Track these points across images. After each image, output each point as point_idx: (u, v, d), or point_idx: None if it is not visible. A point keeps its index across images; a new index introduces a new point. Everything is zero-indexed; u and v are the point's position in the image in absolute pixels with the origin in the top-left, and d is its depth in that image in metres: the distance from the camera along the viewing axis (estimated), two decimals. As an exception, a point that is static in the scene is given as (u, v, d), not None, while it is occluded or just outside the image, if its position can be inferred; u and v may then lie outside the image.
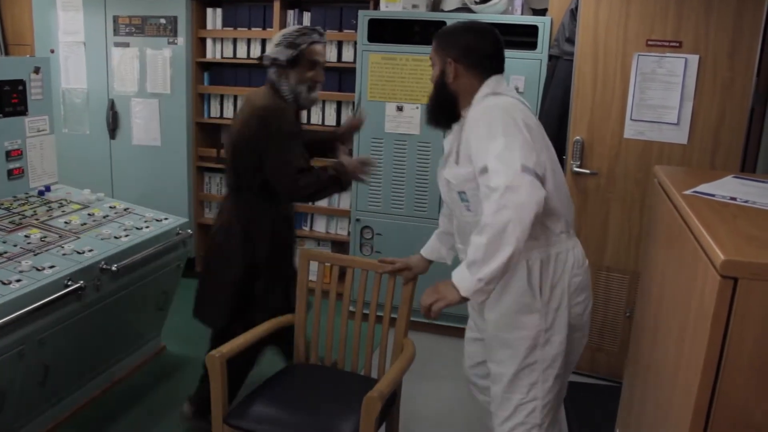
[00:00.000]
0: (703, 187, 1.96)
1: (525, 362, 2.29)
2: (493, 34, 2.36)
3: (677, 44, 3.42)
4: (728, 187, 1.99)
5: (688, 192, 1.90)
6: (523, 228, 1.94)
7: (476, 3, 4.08)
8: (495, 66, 2.33)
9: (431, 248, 2.80)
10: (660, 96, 3.48)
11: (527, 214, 1.95)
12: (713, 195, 1.88)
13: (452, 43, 2.32)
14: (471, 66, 2.30)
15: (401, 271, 2.77)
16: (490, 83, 2.29)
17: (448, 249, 2.75)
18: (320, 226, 5.00)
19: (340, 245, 4.99)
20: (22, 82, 3.68)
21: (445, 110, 2.39)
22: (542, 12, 4.14)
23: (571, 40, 3.71)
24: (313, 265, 2.92)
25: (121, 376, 3.66)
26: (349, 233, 4.79)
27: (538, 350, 2.29)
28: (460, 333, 4.36)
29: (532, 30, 3.94)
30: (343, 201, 4.89)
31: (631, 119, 3.56)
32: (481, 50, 2.31)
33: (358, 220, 4.47)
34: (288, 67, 2.93)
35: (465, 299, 2.05)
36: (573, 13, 3.72)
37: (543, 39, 3.91)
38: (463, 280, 2.03)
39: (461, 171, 2.24)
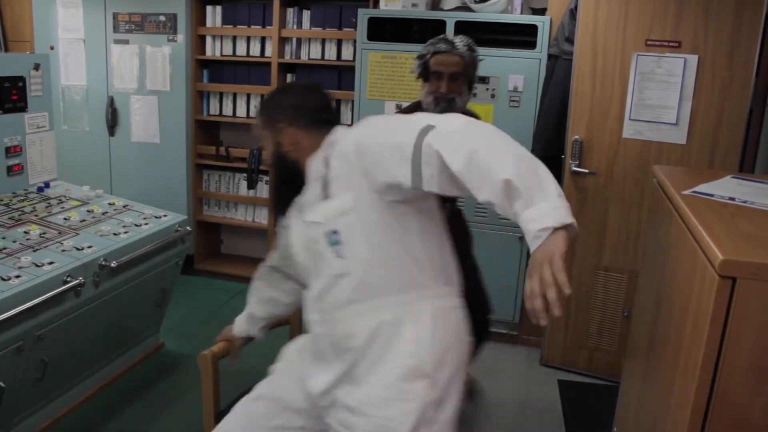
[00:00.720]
0: (701, 187, 1.96)
1: None
2: (316, 87, 2.15)
3: (676, 44, 3.43)
4: (727, 187, 2.00)
5: (687, 192, 1.91)
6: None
7: (476, 2, 4.08)
8: (331, 118, 2.04)
9: (240, 327, 2.45)
10: (659, 96, 3.49)
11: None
12: (712, 195, 1.88)
13: (279, 109, 2.02)
14: (307, 125, 1.98)
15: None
16: (337, 133, 1.95)
17: (260, 329, 2.43)
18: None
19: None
20: (22, 79, 3.67)
21: (295, 184, 1.99)
22: (542, 11, 4.15)
23: (570, 40, 3.72)
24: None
25: (119, 372, 3.66)
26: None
27: (425, 429, 1.77)
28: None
29: (532, 29, 3.94)
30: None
31: (629, 119, 3.57)
32: (312, 105, 2.03)
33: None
34: (421, 79, 2.91)
35: (570, 228, 1.46)
36: (572, 12, 3.73)
37: (542, 38, 3.92)
38: (547, 214, 1.47)
39: (335, 203, 1.82)
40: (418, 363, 1.77)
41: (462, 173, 1.56)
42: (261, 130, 2.05)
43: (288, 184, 2.01)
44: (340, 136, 1.91)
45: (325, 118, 2.02)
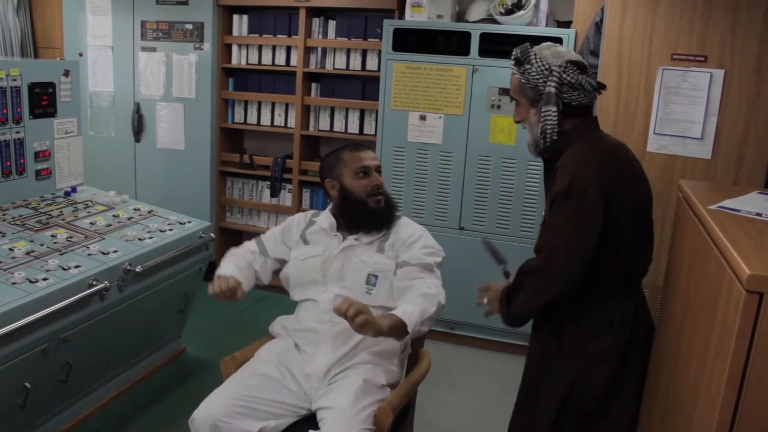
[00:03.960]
0: (728, 203, 1.95)
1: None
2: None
3: (702, 58, 3.41)
4: (753, 203, 1.99)
5: (713, 207, 1.90)
6: None
7: (501, 14, 4.09)
8: None
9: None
10: (684, 110, 3.47)
11: None
12: (738, 210, 1.87)
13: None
14: None
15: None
16: None
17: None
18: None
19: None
20: (52, 85, 3.74)
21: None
22: (567, 24, 4.15)
23: (595, 53, 3.71)
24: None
25: (141, 376, 3.69)
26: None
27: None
28: (476, 343, 4.37)
29: (557, 42, 3.94)
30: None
31: (654, 133, 3.55)
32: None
33: (378, 227, 4.48)
34: None
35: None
36: (598, 25, 3.73)
37: (567, 51, 3.92)
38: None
39: (387, 262, 2.53)
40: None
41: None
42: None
43: (394, 208, 2.69)
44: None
45: None
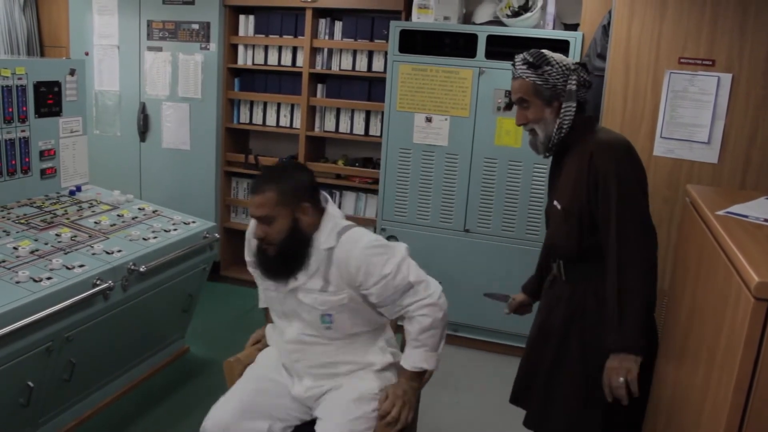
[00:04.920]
0: (736, 208, 1.94)
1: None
2: (296, 164, 2.68)
3: (710, 62, 3.40)
4: (762, 209, 1.97)
5: (720, 212, 1.89)
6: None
7: (508, 17, 4.08)
8: (318, 195, 2.36)
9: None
10: (691, 114, 3.46)
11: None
12: (746, 216, 1.86)
13: (300, 187, 2.28)
14: (316, 203, 2.32)
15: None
16: (331, 212, 2.35)
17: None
18: (345, 234, 5.00)
19: (363, 254, 5.00)
20: (57, 84, 3.74)
21: (301, 258, 2.29)
22: (574, 27, 4.14)
23: (602, 56, 3.70)
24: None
25: (144, 375, 3.69)
26: (373, 242, 4.79)
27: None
28: (481, 345, 4.36)
29: (564, 45, 3.93)
30: (369, 210, 4.91)
31: (661, 137, 3.54)
32: (315, 183, 2.36)
33: (383, 229, 4.48)
34: None
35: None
36: (605, 28, 3.72)
37: (574, 54, 3.91)
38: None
39: (334, 298, 2.29)
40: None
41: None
42: (275, 207, 2.22)
43: (295, 257, 2.28)
44: (334, 226, 2.31)
45: (317, 195, 2.34)
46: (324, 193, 2.39)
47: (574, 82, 2.30)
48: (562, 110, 2.32)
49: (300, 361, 2.39)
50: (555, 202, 2.42)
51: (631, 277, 2.20)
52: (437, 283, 2.36)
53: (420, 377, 2.35)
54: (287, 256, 2.27)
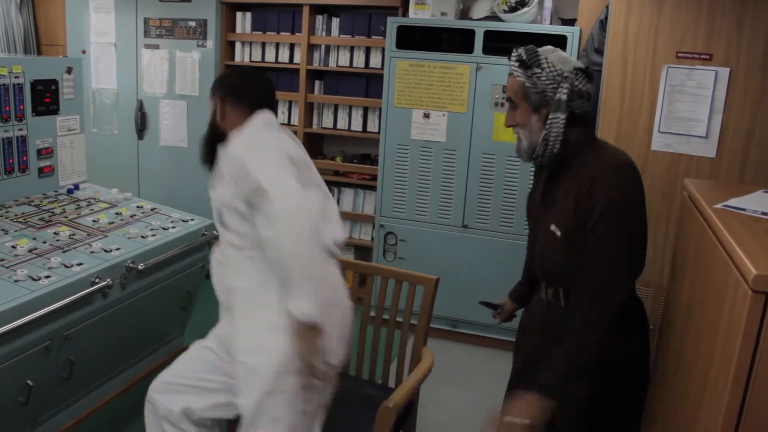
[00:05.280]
0: (733, 202, 1.94)
1: (269, 389, 2.18)
2: (261, 75, 2.55)
3: (708, 57, 3.39)
4: (759, 202, 1.97)
5: (718, 206, 1.89)
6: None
7: (505, 12, 4.08)
8: (261, 102, 2.43)
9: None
10: (689, 108, 3.46)
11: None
12: (744, 209, 1.86)
13: (221, 84, 2.47)
14: (236, 102, 2.41)
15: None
16: (257, 117, 2.38)
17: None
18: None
19: (363, 250, 5.00)
20: (54, 82, 3.73)
21: (213, 146, 2.47)
22: (571, 22, 4.13)
23: (599, 51, 3.70)
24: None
25: (144, 373, 3.69)
26: (372, 238, 4.80)
27: (285, 378, 2.17)
28: (479, 341, 4.37)
29: (561, 40, 3.93)
30: (367, 206, 4.91)
31: (658, 131, 3.54)
32: (246, 87, 2.43)
33: (382, 225, 4.48)
34: None
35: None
36: (602, 23, 3.72)
37: (571, 49, 3.91)
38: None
39: (222, 191, 2.30)
40: (279, 321, 2.13)
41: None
42: (210, 98, 2.50)
43: (210, 145, 2.49)
44: (251, 128, 2.33)
45: (254, 101, 2.40)
46: (267, 114, 2.41)
47: (565, 90, 2.02)
48: (549, 120, 2.04)
49: (216, 285, 2.42)
50: (553, 227, 2.12)
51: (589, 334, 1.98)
52: (314, 197, 2.24)
53: (305, 331, 2.07)
54: (202, 142, 2.57)
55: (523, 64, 2.07)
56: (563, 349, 2.00)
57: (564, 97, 2.02)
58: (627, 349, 2.16)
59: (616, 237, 1.99)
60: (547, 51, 2.09)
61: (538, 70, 2.04)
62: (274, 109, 2.49)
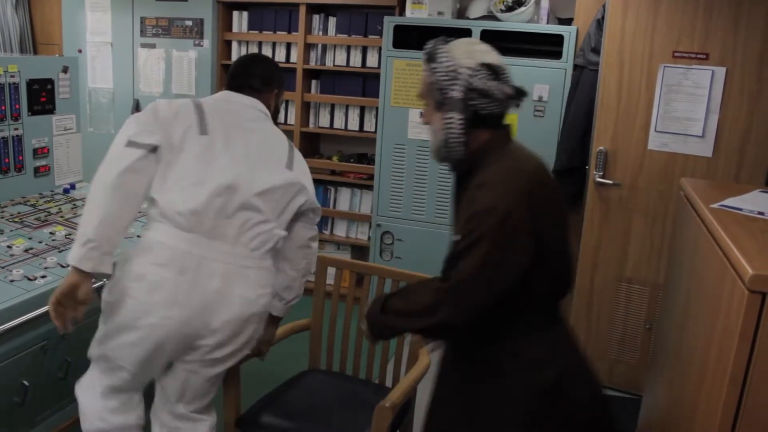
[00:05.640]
0: (730, 201, 1.95)
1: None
2: (237, 60, 2.59)
3: (704, 56, 3.40)
4: (756, 202, 1.98)
5: (715, 205, 1.90)
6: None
7: (502, 11, 4.08)
8: (229, 85, 2.48)
9: None
10: (685, 108, 3.47)
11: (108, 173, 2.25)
12: (741, 209, 1.87)
13: None
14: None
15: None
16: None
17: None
18: (341, 230, 5.01)
19: (360, 250, 5.00)
20: (50, 81, 3.72)
21: None
22: (568, 21, 4.14)
23: (596, 50, 3.70)
24: (330, 270, 2.93)
25: (140, 374, 3.68)
26: (369, 238, 4.80)
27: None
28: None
29: (558, 39, 3.93)
30: (364, 205, 4.91)
31: (655, 131, 3.54)
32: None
33: (378, 225, 4.48)
34: None
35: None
36: (599, 23, 3.72)
37: (568, 48, 3.91)
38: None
39: None
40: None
41: None
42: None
43: None
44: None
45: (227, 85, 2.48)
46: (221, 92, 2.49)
47: (459, 88, 1.82)
48: (444, 120, 1.86)
49: None
50: (455, 237, 1.87)
51: (423, 296, 1.85)
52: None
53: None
54: None
55: (428, 58, 1.91)
56: (413, 295, 1.90)
57: (457, 95, 1.82)
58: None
59: (480, 244, 1.73)
60: (457, 43, 1.90)
61: (436, 65, 1.87)
62: (240, 85, 2.46)
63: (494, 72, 1.82)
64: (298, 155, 2.52)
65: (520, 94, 1.88)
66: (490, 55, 1.86)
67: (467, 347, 1.98)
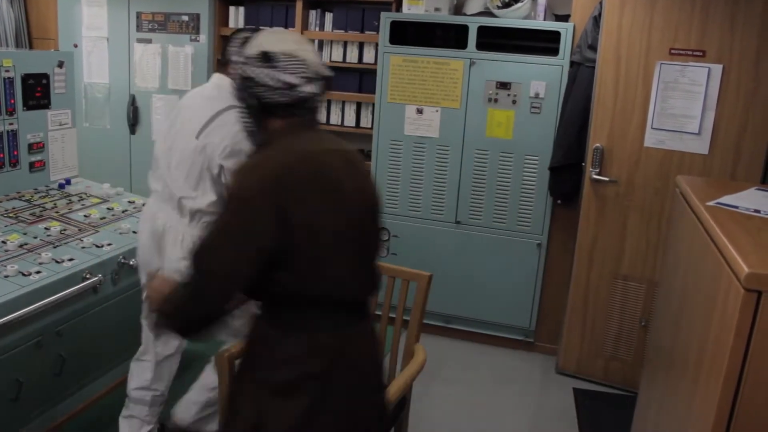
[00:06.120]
0: (726, 199, 1.95)
1: None
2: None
3: (701, 53, 3.40)
4: (752, 199, 1.98)
5: (711, 203, 1.90)
6: None
7: (499, 8, 4.07)
8: None
9: None
10: (682, 105, 3.47)
11: None
12: (737, 207, 1.87)
13: None
14: None
15: None
16: None
17: None
18: (336, 226, 4.98)
19: (355, 246, 4.99)
20: (46, 76, 3.71)
21: None
22: (565, 18, 4.13)
23: (593, 47, 3.70)
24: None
25: (135, 370, 3.68)
26: (364, 234, 4.78)
27: None
28: (472, 337, 4.37)
29: (555, 36, 3.92)
30: (359, 202, 4.90)
31: (651, 128, 3.54)
32: None
33: (374, 221, 4.47)
34: None
35: None
36: (596, 20, 3.71)
37: (565, 45, 3.90)
38: None
39: None
40: None
41: None
42: None
43: None
44: None
45: None
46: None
47: (237, 77, 1.85)
48: (239, 109, 1.90)
49: None
50: None
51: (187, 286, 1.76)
52: None
53: None
54: None
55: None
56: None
57: (237, 83, 1.85)
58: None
59: (220, 228, 1.71)
60: (262, 33, 1.88)
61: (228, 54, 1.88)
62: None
63: (269, 60, 1.78)
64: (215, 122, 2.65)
65: (325, 80, 1.84)
66: (280, 44, 1.81)
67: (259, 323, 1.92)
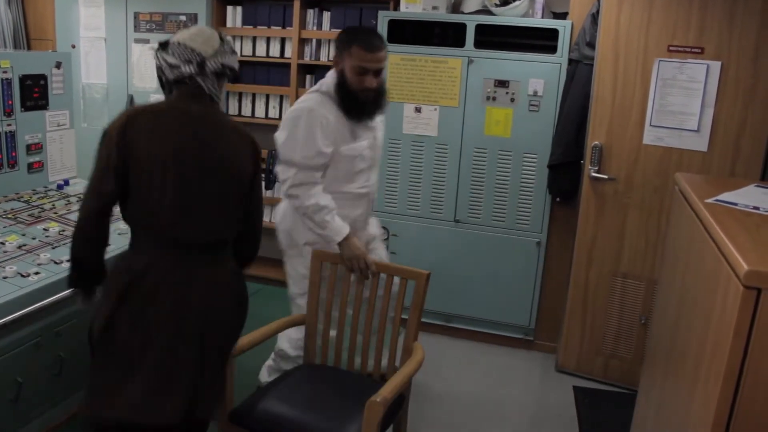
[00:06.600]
0: (725, 196, 1.94)
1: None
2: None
3: (699, 50, 3.40)
4: (751, 196, 1.97)
5: (710, 200, 1.89)
6: None
7: (496, 5, 4.07)
8: None
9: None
10: (680, 102, 3.46)
11: None
12: (736, 204, 1.86)
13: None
14: None
15: None
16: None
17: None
18: (335, 225, 4.98)
19: (354, 245, 4.98)
20: (43, 77, 3.70)
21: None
22: (563, 15, 4.13)
23: (591, 45, 3.70)
24: (325, 265, 2.92)
25: (135, 370, 3.67)
26: (364, 233, 4.78)
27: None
28: (472, 335, 4.36)
29: (553, 33, 3.92)
30: (358, 201, 4.90)
31: (650, 125, 3.54)
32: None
33: (373, 220, 4.46)
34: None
35: None
36: (594, 17, 3.71)
37: (563, 43, 3.90)
38: None
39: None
40: None
41: None
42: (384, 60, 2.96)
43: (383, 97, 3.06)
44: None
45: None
46: None
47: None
48: None
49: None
50: None
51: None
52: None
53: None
54: (381, 96, 2.98)
55: None
56: None
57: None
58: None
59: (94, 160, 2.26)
60: (191, 28, 2.37)
61: None
62: None
63: (165, 48, 2.31)
64: None
65: (190, 63, 2.27)
66: (178, 36, 2.31)
67: None
